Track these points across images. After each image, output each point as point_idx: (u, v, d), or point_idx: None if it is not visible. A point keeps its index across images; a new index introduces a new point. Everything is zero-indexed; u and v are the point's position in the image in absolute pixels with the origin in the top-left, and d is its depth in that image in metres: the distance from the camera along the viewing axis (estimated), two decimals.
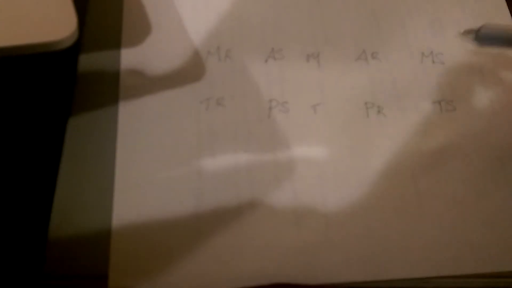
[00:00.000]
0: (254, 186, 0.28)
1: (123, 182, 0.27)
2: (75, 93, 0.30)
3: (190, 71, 0.31)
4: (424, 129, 0.29)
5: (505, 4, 0.34)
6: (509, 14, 0.34)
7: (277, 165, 0.28)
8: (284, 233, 0.26)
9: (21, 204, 0.27)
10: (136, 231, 0.26)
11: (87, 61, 0.31)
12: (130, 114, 0.29)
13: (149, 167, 0.28)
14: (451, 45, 0.32)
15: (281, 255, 0.26)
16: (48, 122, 0.30)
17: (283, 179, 0.28)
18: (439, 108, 0.30)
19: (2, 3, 0.25)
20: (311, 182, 0.28)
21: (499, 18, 0.34)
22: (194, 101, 0.30)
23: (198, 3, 0.33)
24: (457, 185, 0.28)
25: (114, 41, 0.31)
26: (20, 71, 0.31)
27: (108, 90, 0.30)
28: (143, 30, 0.31)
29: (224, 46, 0.32)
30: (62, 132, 0.29)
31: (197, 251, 0.26)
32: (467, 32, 0.31)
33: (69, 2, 0.26)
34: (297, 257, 0.26)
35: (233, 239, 0.26)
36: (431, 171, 0.28)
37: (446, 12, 0.34)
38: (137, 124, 0.29)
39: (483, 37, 0.30)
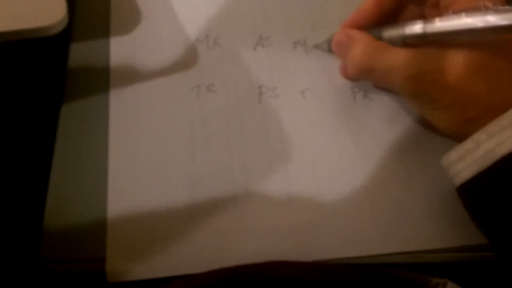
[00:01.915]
0: (247, 169, 0.28)
1: (117, 169, 0.28)
2: (67, 81, 0.30)
3: (180, 59, 0.31)
4: (409, 111, 0.30)
5: None
6: None
7: (270, 148, 0.29)
8: (278, 213, 0.27)
9: (17, 191, 0.27)
10: (131, 216, 0.26)
11: (78, 50, 0.31)
12: (121, 102, 0.29)
13: (142, 154, 0.28)
14: None
15: (276, 234, 0.26)
16: (40, 109, 0.30)
17: (276, 161, 0.28)
18: None
19: None
20: (303, 164, 0.28)
21: None
22: (185, 88, 0.30)
23: None
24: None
25: (104, 30, 0.31)
26: (11, 60, 0.31)
27: (99, 78, 0.30)
28: (133, 18, 0.32)
29: (212, 34, 0.32)
30: (54, 119, 0.29)
31: (193, 234, 0.26)
32: (318, 45, 0.31)
33: None
34: (291, 236, 0.26)
35: (227, 221, 0.27)
36: (418, 151, 0.29)
37: None
38: (129, 112, 0.29)
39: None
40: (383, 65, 0.25)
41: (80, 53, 0.31)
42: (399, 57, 0.25)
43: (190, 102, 0.30)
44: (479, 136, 0.23)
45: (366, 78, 0.29)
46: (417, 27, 0.25)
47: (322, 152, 0.29)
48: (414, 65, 0.24)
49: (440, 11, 0.26)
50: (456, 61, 0.24)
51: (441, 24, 0.24)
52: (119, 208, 0.26)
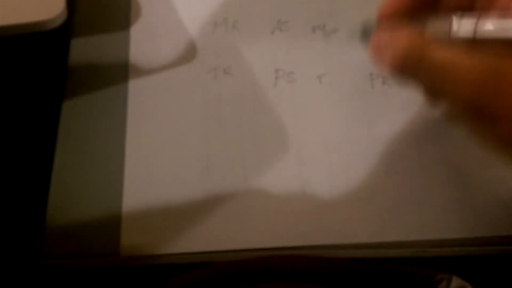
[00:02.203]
0: (260, 153, 0.28)
1: (134, 150, 0.28)
2: (68, 76, 0.30)
3: (198, 42, 0.31)
4: None
5: None
6: None
7: (283, 133, 0.29)
8: (290, 197, 0.27)
9: (19, 186, 0.28)
10: (146, 194, 0.27)
11: (79, 45, 0.31)
12: (140, 86, 0.30)
13: (158, 135, 0.29)
14: None
15: (287, 218, 0.26)
16: (42, 105, 0.30)
17: (289, 146, 0.28)
18: None
19: None
20: (316, 150, 0.28)
21: None
22: (202, 71, 0.30)
23: None
24: (460, 153, 0.28)
25: (107, 24, 0.32)
26: (12, 55, 0.31)
27: (102, 73, 0.30)
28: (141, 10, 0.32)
29: (231, 17, 0.32)
30: (56, 115, 0.29)
31: (204, 213, 0.26)
32: (351, 34, 0.28)
33: None
34: (303, 220, 0.26)
35: (238, 203, 0.27)
36: (435, 139, 0.28)
37: None
38: (146, 94, 0.30)
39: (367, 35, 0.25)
40: (433, 59, 0.20)
41: (81, 48, 0.31)
42: (455, 52, 0.20)
43: (206, 84, 0.30)
44: None
45: (409, 71, 0.22)
46: (468, 24, 0.21)
47: (337, 138, 0.28)
48: (474, 65, 0.20)
49: None
50: None
51: (497, 23, 0.20)
52: (135, 186, 0.27)
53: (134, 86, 0.30)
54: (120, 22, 0.32)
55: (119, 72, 0.30)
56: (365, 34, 0.26)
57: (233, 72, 0.30)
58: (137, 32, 0.31)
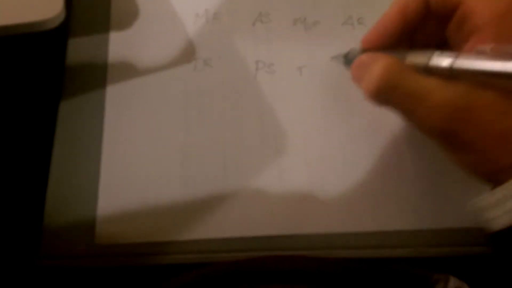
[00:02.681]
0: (239, 143, 0.28)
1: (110, 144, 0.28)
2: (65, 77, 0.30)
3: (178, 33, 0.31)
4: None
5: None
6: None
7: (262, 123, 0.29)
8: (269, 188, 0.27)
9: (16, 188, 0.28)
10: (123, 183, 0.27)
11: (76, 46, 0.31)
12: (117, 79, 0.30)
13: (137, 127, 0.29)
14: None
15: (266, 208, 0.27)
16: (38, 107, 0.30)
17: (269, 137, 0.29)
18: None
19: None
20: (294, 139, 0.29)
21: None
22: (181, 62, 0.30)
23: None
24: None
25: (102, 25, 0.31)
26: (8, 55, 0.31)
27: (97, 73, 0.30)
28: (132, 12, 0.31)
29: (212, 8, 0.32)
30: (53, 116, 0.29)
31: (182, 203, 0.27)
32: (336, 57, 0.29)
33: None
34: (281, 210, 0.27)
35: (217, 194, 0.27)
36: (412, 132, 0.29)
37: None
38: (126, 86, 0.30)
39: (351, 60, 0.26)
40: (408, 87, 0.22)
41: (78, 48, 0.31)
42: (428, 82, 0.21)
43: (186, 75, 0.30)
44: None
45: (383, 100, 0.23)
46: (446, 59, 0.22)
47: (315, 129, 0.29)
48: (444, 95, 0.21)
49: (464, 35, 0.23)
50: (492, 99, 0.20)
51: (471, 62, 0.21)
52: (111, 176, 0.27)
53: (112, 79, 0.30)
54: (101, 20, 0.32)
55: (97, 67, 0.30)
56: (349, 59, 0.27)
57: (213, 63, 0.30)
58: (116, 40, 0.31)
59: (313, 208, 0.27)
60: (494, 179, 0.21)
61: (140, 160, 0.28)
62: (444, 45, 0.25)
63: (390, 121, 0.29)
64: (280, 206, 0.27)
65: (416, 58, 0.23)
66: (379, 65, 0.23)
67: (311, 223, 0.26)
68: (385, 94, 0.23)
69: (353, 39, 0.31)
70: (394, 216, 0.26)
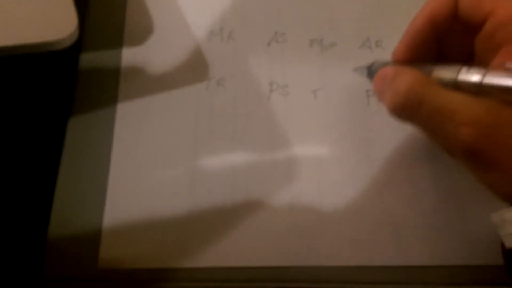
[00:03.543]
0: (250, 168, 0.28)
1: (118, 164, 0.28)
2: (76, 92, 0.30)
3: (192, 51, 0.31)
4: None
5: None
6: None
7: (275, 148, 0.28)
8: (278, 217, 0.26)
9: (21, 206, 0.27)
10: (129, 206, 0.26)
11: (88, 60, 0.31)
12: (129, 95, 0.29)
13: (146, 146, 0.28)
14: None
15: (275, 238, 0.26)
16: (48, 121, 0.29)
17: (280, 163, 0.28)
18: None
19: (2, 2, 0.24)
20: (307, 167, 0.28)
21: None
22: (194, 81, 0.30)
23: None
24: (454, 177, 0.27)
25: (115, 40, 0.31)
26: (21, 70, 0.30)
27: (108, 89, 0.30)
28: (146, 28, 0.31)
29: (227, 27, 0.31)
30: (62, 132, 0.28)
31: (189, 229, 0.26)
32: (358, 69, 0.28)
33: (69, 0, 0.25)
34: (291, 241, 0.26)
35: (225, 221, 0.26)
36: (427, 164, 0.28)
37: None
38: (136, 102, 0.29)
39: (374, 73, 0.26)
40: (434, 102, 0.21)
41: (90, 63, 0.30)
42: (455, 97, 0.20)
43: (198, 94, 0.29)
44: None
45: (408, 116, 0.22)
46: (474, 76, 0.21)
47: (328, 156, 0.28)
48: (472, 112, 0.20)
49: (493, 48, 0.22)
50: None
51: (502, 79, 0.20)
52: (118, 198, 0.26)
53: (123, 95, 0.29)
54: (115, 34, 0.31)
55: (108, 82, 0.30)
56: (372, 71, 0.26)
57: (226, 83, 0.30)
58: (129, 41, 0.31)
59: (324, 239, 0.26)
60: None
61: (147, 181, 0.27)
62: (471, 58, 0.24)
63: (409, 148, 0.28)
64: (290, 236, 0.26)
65: (443, 72, 0.22)
66: (404, 79, 0.22)
67: (321, 255, 0.25)
68: (410, 111, 0.22)
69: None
70: (409, 251, 0.25)
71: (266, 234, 0.26)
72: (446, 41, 0.24)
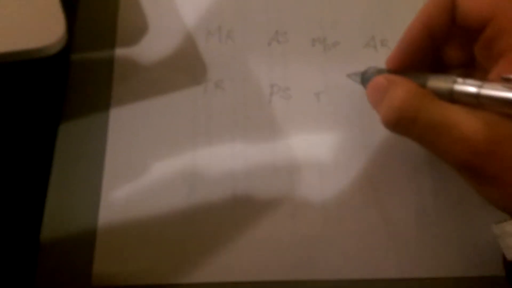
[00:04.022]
0: (250, 175, 0.26)
1: (112, 169, 0.26)
2: (67, 95, 0.28)
3: (189, 52, 0.29)
4: None
5: None
6: None
7: (275, 154, 0.27)
8: (281, 226, 0.25)
9: (11, 217, 0.26)
10: (124, 216, 0.25)
11: (79, 61, 0.29)
12: (123, 98, 0.28)
13: (141, 151, 0.27)
14: None
15: (275, 248, 0.25)
16: (39, 126, 0.28)
17: (281, 169, 0.26)
18: None
19: None
20: (310, 173, 0.26)
21: None
22: (191, 83, 0.28)
23: None
24: (457, 184, 0.26)
25: (108, 38, 0.29)
26: (9, 73, 0.29)
27: (103, 86, 0.28)
28: (140, 28, 0.29)
29: (225, 26, 0.30)
30: (53, 137, 0.27)
31: (187, 241, 0.25)
32: (352, 75, 0.26)
33: (57, 5, 0.24)
34: (294, 251, 0.25)
35: (224, 230, 0.25)
36: (432, 169, 0.27)
37: None
38: (131, 105, 0.28)
39: (369, 80, 0.25)
40: (429, 117, 0.20)
41: (81, 64, 0.29)
42: (451, 112, 0.20)
43: (195, 97, 0.28)
44: None
45: (403, 131, 0.22)
46: (470, 87, 0.20)
47: (332, 162, 0.27)
48: (472, 127, 0.19)
49: (494, 55, 0.21)
50: None
51: (499, 92, 0.19)
52: (112, 209, 0.25)
53: (117, 99, 0.28)
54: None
55: (101, 85, 0.28)
56: (366, 78, 0.25)
57: (225, 85, 0.28)
58: (122, 41, 0.29)
59: (327, 251, 0.25)
60: None
61: (143, 189, 0.26)
62: (472, 64, 0.23)
63: (413, 154, 0.27)
64: (292, 249, 0.25)
65: (438, 83, 0.21)
66: (398, 93, 0.21)
67: (324, 268, 0.24)
68: (404, 126, 0.21)
69: (375, 62, 0.29)
70: (412, 263, 0.24)
71: (267, 246, 0.25)
72: (444, 46, 0.24)
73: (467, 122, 0.19)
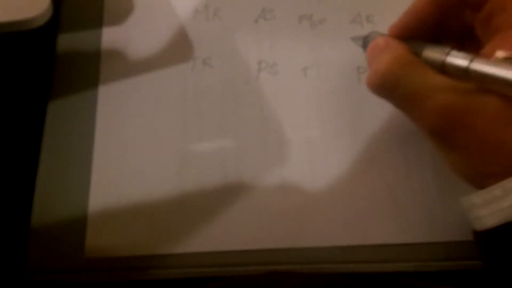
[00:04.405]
0: (240, 149, 0.27)
1: (103, 144, 0.27)
2: (54, 75, 0.28)
3: (176, 30, 0.29)
4: None
5: None
6: None
7: (265, 128, 0.27)
8: (271, 197, 0.26)
9: (3, 189, 0.26)
10: (115, 192, 0.25)
11: (67, 41, 0.29)
12: (111, 77, 0.28)
13: (131, 129, 0.27)
14: None
15: (266, 219, 0.25)
16: (26, 106, 0.28)
17: (270, 142, 0.27)
18: None
19: None
20: (298, 147, 0.27)
21: None
22: (179, 61, 0.29)
23: None
24: None
25: (95, 17, 0.30)
26: None
27: (88, 69, 0.28)
28: (127, 5, 0.30)
29: (212, 4, 0.30)
30: (41, 118, 0.27)
31: (178, 214, 0.25)
32: (355, 38, 0.27)
33: None
34: (284, 221, 0.25)
35: (216, 203, 0.26)
36: (419, 141, 0.27)
37: None
38: (119, 83, 0.28)
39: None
40: (410, 84, 0.21)
41: (68, 44, 0.29)
42: (432, 82, 0.21)
43: (183, 74, 0.28)
44: (510, 183, 0.20)
45: (385, 95, 0.23)
46: (461, 60, 0.21)
47: (320, 135, 0.27)
48: (445, 97, 0.20)
49: (491, 30, 0.22)
50: (493, 107, 0.20)
51: (488, 68, 0.20)
52: (103, 183, 0.26)
53: (105, 77, 0.28)
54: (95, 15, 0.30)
55: (89, 64, 0.28)
56: (367, 42, 0.25)
57: (212, 63, 0.29)
58: (109, 20, 0.29)
59: (317, 220, 0.25)
60: (480, 184, 0.21)
61: (133, 166, 0.26)
62: (471, 35, 0.24)
63: (401, 125, 0.27)
64: (282, 218, 0.25)
65: (432, 53, 0.22)
66: (385, 58, 0.22)
67: (314, 236, 0.25)
68: (385, 91, 0.23)
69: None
70: (399, 229, 0.25)
71: (257, 216, 0.25)
72: (447, 17, 0.24)
73: (443, 93, 0.21)
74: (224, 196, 0.26)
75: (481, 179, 0.21)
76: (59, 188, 0.26)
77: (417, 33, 0.24)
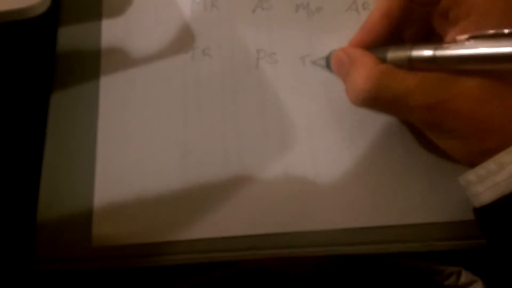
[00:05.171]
0: (241, 137, 0.27)
1: (107, 135, 0.27)
2: (56, 67, 0.28)
3: (175, 21, 0.30)
4: None
5: None
6: None
7: (265, 116, 0.28)
8: (273, 183, 0.26)
9: (6, 187, 0.26)
10: (120, 181, 0.26)
11: (67, 34, 0.29)
12: (112, 69, 0.28)
13: (133, 120, 0.27)
14: None
15: (269, 204, 0.26)
16: (29, 99, 0.28)
17: (271, 130, 0.27)
18: None
19: None
20: (299, 133, 0.27)
21: None
22: (179, 51, 0.29)
23: None
24: None
25: (94, 9, 0.30)
26: None
27: (90, 61, 0.28)
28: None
29: None
30: (44, 110, 0.27)
31: (182, 202, 0.25)
32: (317, 62, 0.28)
33: None
34: (286, 206, 0.26)
35: (218, 190, 0.26)
36: None
37: None
38: (120, 74, 0.28)
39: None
40: (388, 94, 0.22)
41: (69, 37, 0.29)
42: (406, 83, 0.22)
43: (184, 64, 0.29)
44: (503, 157, 0.21)
45: (369, 107, 0.25)
46: (426, 51, 0.21)
47: (320, 122, 0.28)
48: (423, 93, 0.22)
49: (450, 24, 0.23)
50: (470, 88, 0.21)
51: (453, 50, 0.21)
52: (108, 174, 0.26)
53: (106, 69, 0.28)
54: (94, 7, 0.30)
55: (89, 56, 0.29)
56: (330, 62, 0.27)
57: (212, 53, 0.29)
58: (108, 12, 0.30)
59: (320, 203, 0.26)
60: (475, 162, 0.22)
61: (137, 155, 0.27)
62: (430, 37, 0.25)
63: None
64: (284, 203, 0.26)
65: (397, 53, 0.23)
66: (359, 74, 0.23)
67: (316, 220, 0.25)
68: (369, 104, 0.24)
69: (358, 26, 0.30)
70: (402, 210, 0.26)
71: (260, 203, 0.26)
72: (404, 26, 0.25)
73: (420, 89, 0.22)
74: (227, 183, 0.26)
75: (478, 158, 0.22)
76: (65, 179, 0.26)
77: (376, 44, 0.25)
